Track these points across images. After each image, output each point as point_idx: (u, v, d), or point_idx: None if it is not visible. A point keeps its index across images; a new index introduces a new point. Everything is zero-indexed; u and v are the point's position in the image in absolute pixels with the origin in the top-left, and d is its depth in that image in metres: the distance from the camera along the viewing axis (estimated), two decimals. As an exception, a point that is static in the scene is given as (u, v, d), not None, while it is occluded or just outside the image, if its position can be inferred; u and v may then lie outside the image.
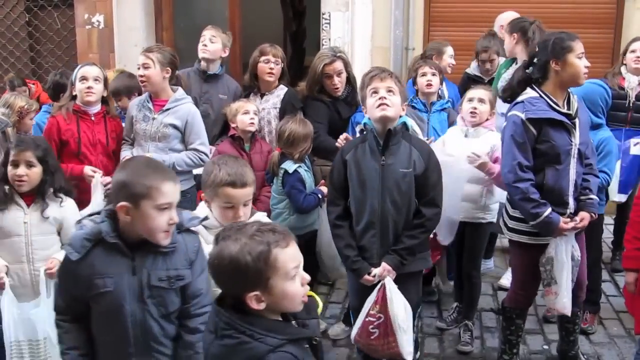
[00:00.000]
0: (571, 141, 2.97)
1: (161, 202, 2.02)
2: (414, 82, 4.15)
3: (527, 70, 3.07)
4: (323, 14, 6.02)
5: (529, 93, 3.01)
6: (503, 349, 3.36)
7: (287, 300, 1.63)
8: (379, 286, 2.86)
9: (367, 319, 2.88)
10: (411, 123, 3.11)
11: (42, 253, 2.92)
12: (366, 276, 2.88)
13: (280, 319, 1.68)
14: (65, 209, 2.98)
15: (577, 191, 3.05)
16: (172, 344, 2.17)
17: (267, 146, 3.96)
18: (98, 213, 2.15)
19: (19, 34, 6.96)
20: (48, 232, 2.95)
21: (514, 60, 4.38)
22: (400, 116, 2.91)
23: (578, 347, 3.44)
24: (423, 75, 4.03)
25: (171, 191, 2.06)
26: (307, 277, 1.69)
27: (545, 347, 3.66)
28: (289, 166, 3.57)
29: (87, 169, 3.62)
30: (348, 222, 2.96)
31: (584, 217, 3.04)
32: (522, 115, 2.93)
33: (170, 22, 6.56)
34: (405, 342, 2.86)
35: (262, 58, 4.10)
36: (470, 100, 3.57)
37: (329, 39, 5.97)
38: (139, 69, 3.71)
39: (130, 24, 6.31)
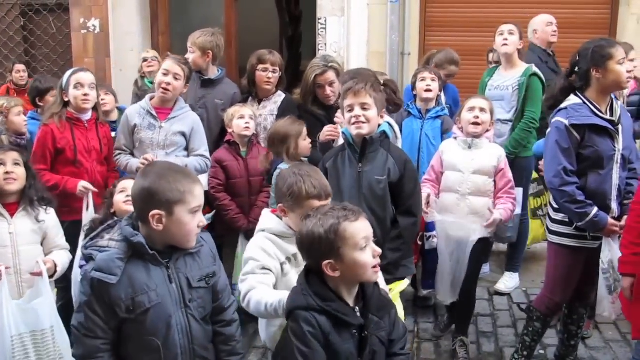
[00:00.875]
0: (614, 147, 3.00)
1: (194, 205, 2.00)
2: (413, 88, 4.16)
3: (569, 79, 3.10)
4: (319, 19, 6.03)
5: (572, 100, 3.04)
6: (517, 347, 3.40)
7: (359, 269, 1.90)
8: None
9: None
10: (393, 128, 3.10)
11: (29, 264, 2.85)
12: None
13: (351, 304, 1.93)
14: (49, 218, 2.98)
15: (620, 196, 3.08)
16: (212, 348, 2.16)
17: (265, 151, 3.92)
18: (108, 226, 2.09)
19: (14, 38, 6.95)
20: (34, 242, 2.92)
21: (495, 68, 4.46)
22: (380, 124, 2.92)
23: (577, 353, 3.45)
24: (422, 80, 4.02)
25: (201, 193, 2.05)
26: (379, 250, 1.93)
27: (541, 352, 3.66)
28: (284, 166, 3.54)
29: (81, 186, 3.52)
30: None
31: None
32: (566, 121, 2.97)
33: (166, 27, 6.56)
34: None
35: (261, 66, 4.10)
36: (472, 109, 3.48)
37: (325, 44, 5.99)
38: (165, 74, 3.65)
39: (126, 28, 6.30)
